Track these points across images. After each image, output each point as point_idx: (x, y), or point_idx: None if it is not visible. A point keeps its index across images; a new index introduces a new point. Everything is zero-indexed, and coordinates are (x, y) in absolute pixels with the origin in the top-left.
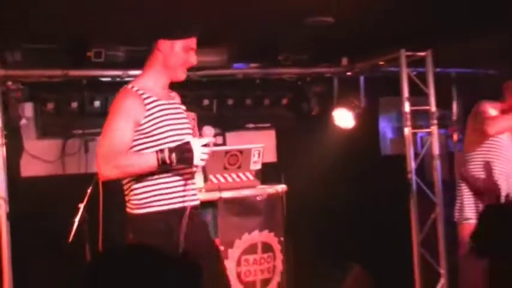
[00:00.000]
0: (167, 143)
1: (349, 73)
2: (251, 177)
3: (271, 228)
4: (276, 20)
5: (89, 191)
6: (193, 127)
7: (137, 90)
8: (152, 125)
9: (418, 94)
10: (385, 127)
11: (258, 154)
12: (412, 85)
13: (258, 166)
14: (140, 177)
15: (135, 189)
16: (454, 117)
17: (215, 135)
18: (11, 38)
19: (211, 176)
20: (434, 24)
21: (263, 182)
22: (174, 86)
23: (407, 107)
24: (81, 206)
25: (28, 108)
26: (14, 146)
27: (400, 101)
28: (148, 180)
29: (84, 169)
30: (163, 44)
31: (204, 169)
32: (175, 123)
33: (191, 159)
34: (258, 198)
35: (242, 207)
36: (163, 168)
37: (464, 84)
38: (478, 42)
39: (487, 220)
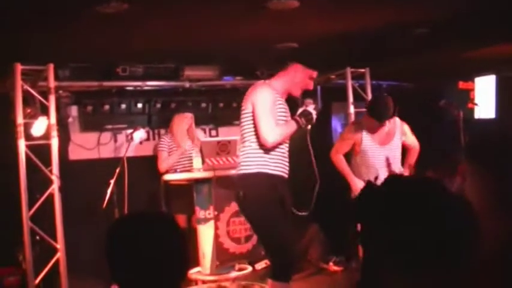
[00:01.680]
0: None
1: None
2: (237, 160)
3: None
4: (256, 45)
5: (117, 170)
6: (190, 125)
7: (270, 87)
8: (277, 112)
9: (359, 100)
10: (336, 124)
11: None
12: (355, 93)
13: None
14: (255, 147)
15: (251, 153)
16: None
17: (314, 105)
18: (62, 60)
19: (207, 159)
20: (372, 50)
21: None
22: (184, 93)
23: (351, 109)
24: (112, 181)
25: (74, 110)
26: (64, 137)
27: (346, 104)
28: (260, 150)
29: (114, 154)
30: (299, 68)
31: (201, 154)
32: (286, 114)
33: (312, 119)
34: None
35: (230, 182)
36: (298, 128)
37: (392, 93)
38: (402, 63)
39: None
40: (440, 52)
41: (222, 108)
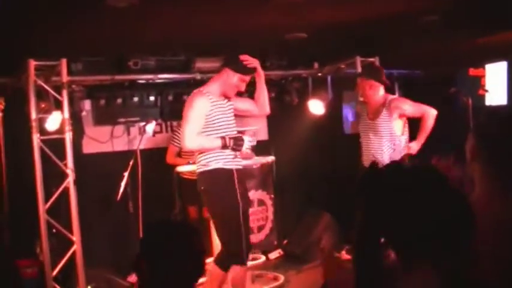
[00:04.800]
0: (221, 130)
1: (319, 74)
2: (249, 151)
3: (264, 188)
4: (266, 36)
5: (130, 163)
6: None
7: (206, 92)
8: (213, 117)
9: None
10: (347, 113)
11: (254, 134)
12: None
13: (254, 143)
14: None
15: (205, 154)
16: None
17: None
18: (75, 54)
19: None
20: (381, 38)
21: (258, 155)
22: (195, 85)
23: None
24: (125, 174)
25: (87, 104)
26: (78, 131)
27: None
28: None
29: (127, 147)
30: (230, 72)
31: None
32: (226, 117)
33: (240, 146)
34: (254, 167)
35: (243, 173)
36: (222, 148)
37: (402, 81)
38: (412, 51)
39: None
40: (450, 39)
41: None
